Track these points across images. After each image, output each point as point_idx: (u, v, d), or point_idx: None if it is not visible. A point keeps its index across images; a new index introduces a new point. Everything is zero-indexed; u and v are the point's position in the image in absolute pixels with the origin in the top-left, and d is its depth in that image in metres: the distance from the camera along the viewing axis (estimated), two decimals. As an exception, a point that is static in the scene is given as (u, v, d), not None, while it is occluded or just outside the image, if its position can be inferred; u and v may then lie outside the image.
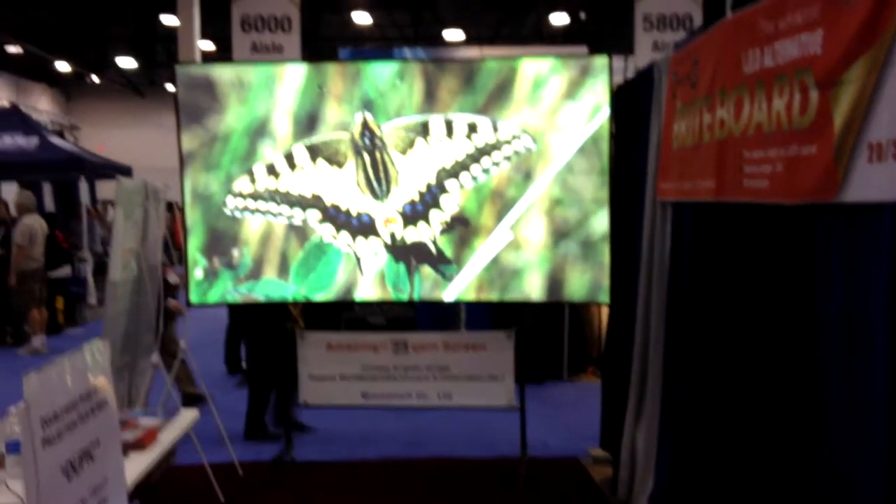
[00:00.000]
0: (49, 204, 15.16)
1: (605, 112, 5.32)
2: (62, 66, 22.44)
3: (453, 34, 19.33)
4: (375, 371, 6.27)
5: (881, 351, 2.68)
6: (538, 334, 8.76)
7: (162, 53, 20.37)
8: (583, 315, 9.34)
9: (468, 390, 6.22)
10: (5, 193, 14.67)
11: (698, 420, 4.30)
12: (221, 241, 5.38)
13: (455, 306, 8.53)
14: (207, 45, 17.45)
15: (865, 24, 2.64)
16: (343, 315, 9.10)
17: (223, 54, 18.06)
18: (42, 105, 25.65)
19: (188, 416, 4.81)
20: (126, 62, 22.30)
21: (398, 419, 7.41)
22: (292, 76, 5.15)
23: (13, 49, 20.20)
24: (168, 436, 4.37)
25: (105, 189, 16.94)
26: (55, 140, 13.95)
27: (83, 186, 15.26)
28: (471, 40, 19.37)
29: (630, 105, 5.70)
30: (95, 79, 24.51)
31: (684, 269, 4.51)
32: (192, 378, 7.64)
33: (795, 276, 3.32)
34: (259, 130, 5.13)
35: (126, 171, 14.67)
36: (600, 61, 5.38)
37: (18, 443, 2.99)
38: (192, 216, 5.27)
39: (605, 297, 5.58)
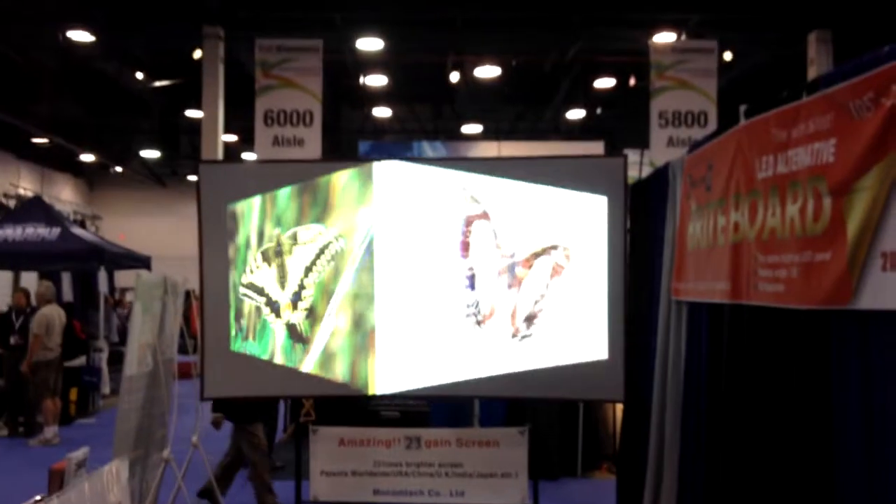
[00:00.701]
0: (67, 293, 15.26)
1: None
2: (87, 157, 22.82)
3: (472, 128, 19.66)
4: (387, 467, 6.22)
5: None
6: (553, 430, 8.67)
7: (186, 145, 20.69)
8: (597, 412, 9.24)
9: (481, 488, 6.14)
10: (25, 282, 14.79)
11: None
12: (238, 312, 6.41)
13: (469, 402, 8.46)
14: (230, 137, 17.75)
15: (878, 135, 2.67)
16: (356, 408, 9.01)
17: (245, 146, 18.38)
18: (65, 195, 25.97)
19: (198, 514, 4.75)
20: (150, 154, 22.67)
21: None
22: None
23: (40, 140, 20.60)
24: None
25: (124, 277, 17.03)
26: (76, 230, 14.12)
27: (102, 275, 15.37)
28: (489, 134, 19.68)
29: (645, 202, 5.76)
30: (118, 168, 24.86)
31: (700, 370, 4.49)
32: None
33: (812, 378, 3.29)
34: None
35: (145, 261, 14.81)
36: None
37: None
38: (231, 298, 6.42)
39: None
